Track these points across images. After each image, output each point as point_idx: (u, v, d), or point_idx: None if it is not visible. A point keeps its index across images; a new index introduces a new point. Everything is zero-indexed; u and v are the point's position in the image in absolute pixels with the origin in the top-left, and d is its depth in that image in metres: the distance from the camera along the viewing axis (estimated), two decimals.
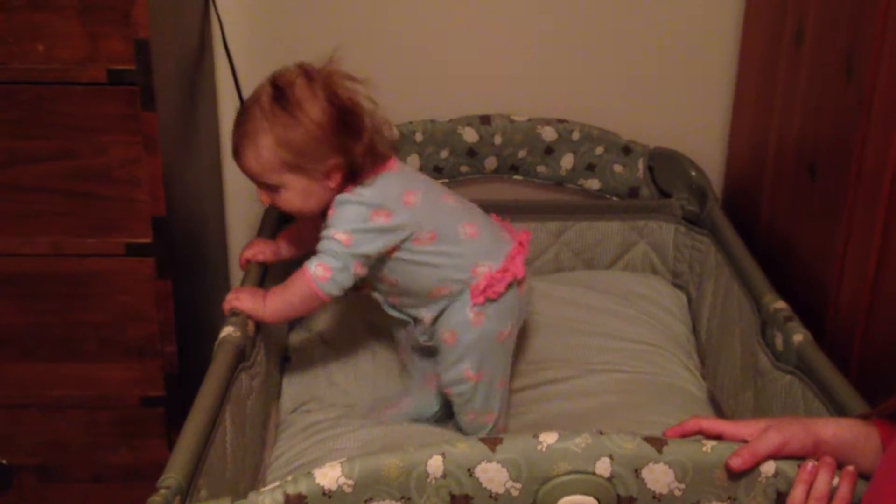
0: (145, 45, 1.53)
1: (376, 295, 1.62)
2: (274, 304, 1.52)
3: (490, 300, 1.53)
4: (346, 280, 1.47)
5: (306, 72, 1.49)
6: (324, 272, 1.46)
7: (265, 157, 1.46)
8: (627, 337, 1.87)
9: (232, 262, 2.19)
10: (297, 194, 1.49)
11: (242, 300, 1.52)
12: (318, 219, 1.56)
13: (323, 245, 1.48)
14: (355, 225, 1.46)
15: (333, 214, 1.48)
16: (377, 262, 1.51)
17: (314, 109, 1.45)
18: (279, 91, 1.46)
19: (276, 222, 1.87)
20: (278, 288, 1.53)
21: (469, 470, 1.03)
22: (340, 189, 1.49)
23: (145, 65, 1.54)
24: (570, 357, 1.81)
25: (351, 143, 1.46)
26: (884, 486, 0.99)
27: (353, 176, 1.48)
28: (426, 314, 1.58)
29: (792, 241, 1.77)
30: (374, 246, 1.47)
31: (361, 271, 1.48)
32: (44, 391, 1.74)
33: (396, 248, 1.50)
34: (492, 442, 1.04)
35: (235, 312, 1.50)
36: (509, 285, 1.54)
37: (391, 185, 1.50)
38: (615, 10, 2.04)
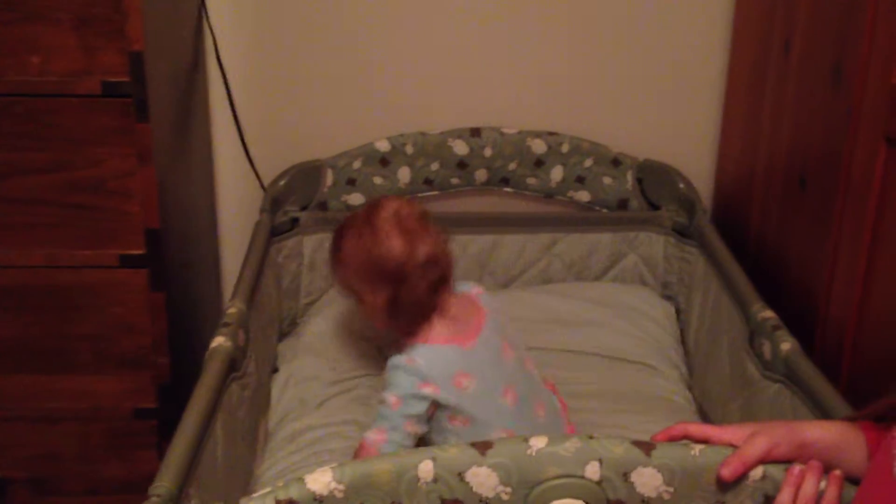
0: (139, 58, 1.55)
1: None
2: None
3: None
4: (402, 438, 1.47)
5: (370, 208, 1.56)
6: (378, 435, 1.46)
7: (329, 270, 1.66)
8: (615, 350, 1.88)
9: (224, 274, 2.19)
10: (359, 309, 1.63)
11: None
12: None
13: (378, 409, 1.49)
14: (405, 391, 1.46)
15: (387, 377, 1.50)
16: None
17: (350, 250, 1.55)
18: (345, 221, 1.60)
19: (268, 236, 1.88)
20: None
21: (459, 474, 1.04)
22: (395, 326, 1.54)
23: (139, 77, 1.55)
24: (556, 368, 1.81)
25: (385, 288, 1.51)
26: (874, 491, 0.99)
27: (401, 318, 1.52)
28: None
29: (782, 251, 1.78)
30: (422, 407, 1.46)
31: (414, 428, 1.47)
32: (37, 403, 1.74)
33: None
34: (482, 446, 1.04)
35: None
36: None
37: (445, 362, 1.49)
38: (604, 23, 2.05)
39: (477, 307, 1.57)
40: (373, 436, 1.47)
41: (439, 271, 1.51)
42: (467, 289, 1.60)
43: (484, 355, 1.52)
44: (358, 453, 1.49)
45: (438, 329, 1.51)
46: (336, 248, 1.59)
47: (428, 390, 1.45)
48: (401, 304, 1.50)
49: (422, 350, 1.48)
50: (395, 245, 1.50)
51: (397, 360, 1.49)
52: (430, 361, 1.47)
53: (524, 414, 1.52)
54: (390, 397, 1.46)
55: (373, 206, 1.56)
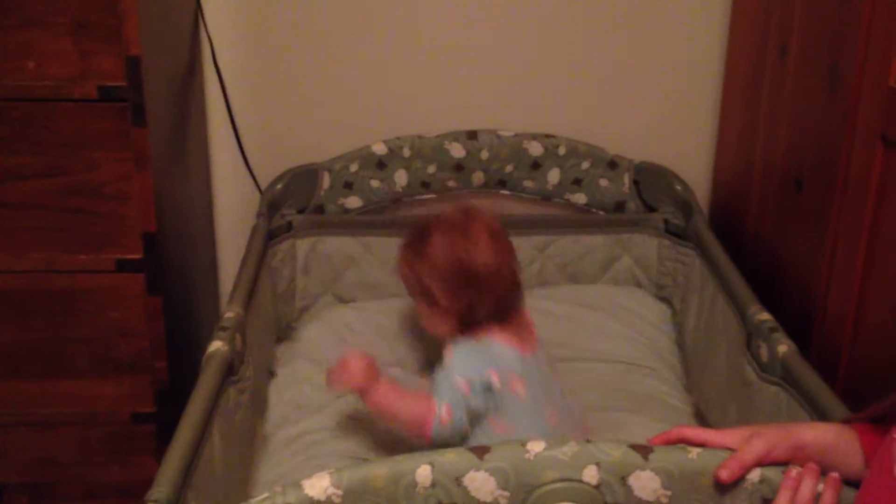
0: (136, 62, 1.54)
1: None
2: (384, 403, 1.47)
3: None
4: (458, 432, 1.43)
5: (464, 214, 1.56)
6: (447, 415, 1.42)
7: (402, 269, 1.62)
8: (610, 353, 1.88)
9: (221, 278, 2.19)
10: (423, 313, 1.60)
11: (357, 374, 1.47)
12: None
13: (444, 389, 1.45)
14: (473, 375, 1.44)
15: (453, 359, 1.48)
16: None
17: (439, 252, 1.54)
18: (434, 223, 1.58)
19: (265, 240, 1.88)
20: (396, 390, 1.49)
21: (457, 479, 1.04)
22: (457, 332, 1.53)
23: (136, 82, 1.55)
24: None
25: (467, 294, 1.51)
26: (875, 492, 0.99)
27: (472, 325, 1.52)
28: None
29: (779, 254, 1.78)
30: (481, 403, 1.44)
31: (467, 428, 1.44)
32: (34, 409, 1.73)
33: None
34: (479, 451, 1.05)
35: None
36: None
37: (507, 359, 1.49)
38: (601, 26, 2.06)
39: (532, 331, 1.58)
40: (442, 408, 1.42)
41: (515, 286, 1.54)
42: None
43: (537, 369, 1.52)
44: (413, 399, 1.45)
45: (499, 333, 1.52)
46: (418, 248, 1.57)
47: (494, 378, 1.44)
48: (477, 312, 1.51)
49: (485, 340, 1.49)
50: (486, 254, 1.50)
51: (465, 344, 1.49)
52: (495, 351, 1.48)
53: (564, 429, 1.51)
54: (461, 380, 1.44)
55: (466, 213, 1.56)
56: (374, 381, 1.47)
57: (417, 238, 1.58)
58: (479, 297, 1.50)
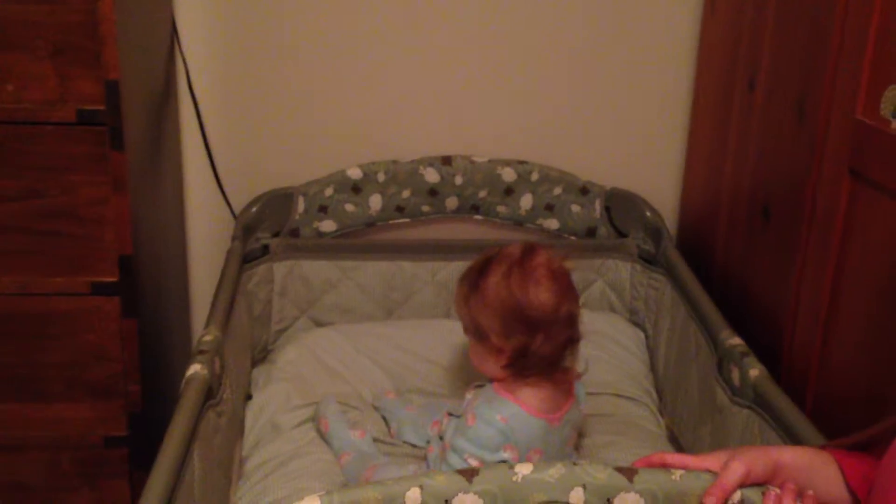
0: (115, 87, 1.55)
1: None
2: None
3: None
4: None
5: (525, 251, 1.48)
6: None
7: (458, 302, 1.51)
8: (585, 377, 1.87)
9: (193, 301, 2.19)
10: (473, 349, 1.51)
11: None
12: None
13: (454, 460, 1.42)
14: (489, 455, 1.41)
15: (472, 429, 1.43)
16: None
17: (494, 288, 1.45)
18: (494, 257, 1.49)
19: (240, 263, 1.88)
20: None
21: (447, 501, 1.04)
22: (508, 374, 1.45)
23: (115, 106, 1.56)
24: None
25: (520, 336, 1.43)
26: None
27: (524, 368, 1.44)
28: None
29: (747, 281, 1.80)
30: None
31: None
32: (6, 432, 1.72)
33: None
34: (468, 473, 1.06)
35: None
36: None
37: (531, 434, 1.43)
38: (573, 55, 2.09)
39: (570, 390, 1.53)
40: None
41: (574, 332, 1.46)
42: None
43: (558, 436, 1.48)
44: None
45: (538, 396, 1.46)
46: (475, 282, 1.48)
47: (507, 454, 1.41)
48: (530, 355, 1.43)
49: (515, 412, 1.43)
50: (544, 295, 1.42)
51: (490, 415, 1.43)
52: (520, 428, 1.43)
53: None
54: (473, 460, 1.41)
55: (526, 250, 1.48)
56: None
57: (476, 272, 1.49)
58: (533, 341, 1.42)
